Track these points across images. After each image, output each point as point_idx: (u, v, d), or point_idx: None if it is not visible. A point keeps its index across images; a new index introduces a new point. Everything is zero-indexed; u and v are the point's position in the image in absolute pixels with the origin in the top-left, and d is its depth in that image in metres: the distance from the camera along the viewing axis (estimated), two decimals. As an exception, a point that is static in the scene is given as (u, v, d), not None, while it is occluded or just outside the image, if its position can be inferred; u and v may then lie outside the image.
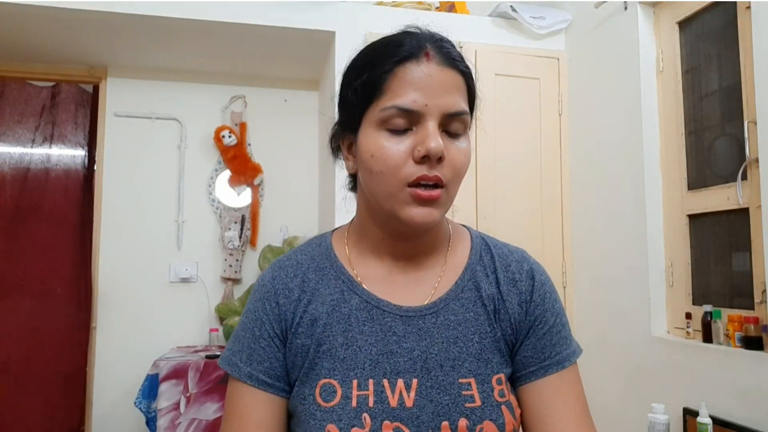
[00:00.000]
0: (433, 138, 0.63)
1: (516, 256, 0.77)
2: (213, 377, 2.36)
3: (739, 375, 1.66)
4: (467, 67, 0.70)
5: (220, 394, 2.36)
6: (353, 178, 0.77)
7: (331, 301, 0.72)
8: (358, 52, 0.72)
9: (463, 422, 0.66)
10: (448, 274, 0.74)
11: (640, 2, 2.13)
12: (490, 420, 0.66)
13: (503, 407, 0.68)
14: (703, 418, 1.65)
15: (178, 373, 2.33)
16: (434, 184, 0.65)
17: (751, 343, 1.64)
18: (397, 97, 0.65)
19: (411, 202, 0.65)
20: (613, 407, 2.14)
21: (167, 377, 2.31)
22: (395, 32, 0.71)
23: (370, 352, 0.69)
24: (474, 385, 0.68)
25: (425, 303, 0.72)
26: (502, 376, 0.70)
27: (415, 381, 0.67)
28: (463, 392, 0.67)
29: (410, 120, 0.65)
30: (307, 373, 0.69)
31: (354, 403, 0.66)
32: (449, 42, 0.70)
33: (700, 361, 1.80)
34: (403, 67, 0.66)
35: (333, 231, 0.81)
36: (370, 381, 0.67)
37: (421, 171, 0.64)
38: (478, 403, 0.67)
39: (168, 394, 2.30)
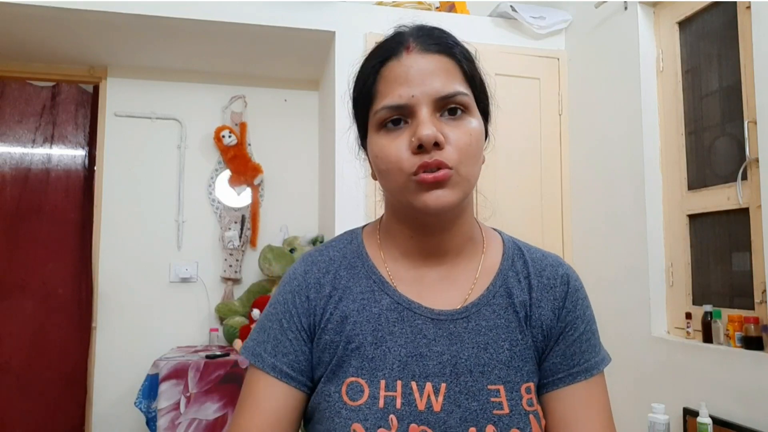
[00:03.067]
0: (424, 126, 0.63)
1: (551, 261, 0.76)
2: (213, 377, 2.36)
3: (739, 375, 1.66)
4: (459, 50, 0.70)
5: (220, 394, 2.36)
6: None
7: (362, 300, 0.71)
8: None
9: (490, 429, 0.65)
10: (481, 279, 0.73)
11: (640, 2, 2.12)
12: (518, 428, 0.65)
13: (531, 416, 0.67)
14: (703, 418, 1.65)
15: (178, 373, 2.33)
16: (438, 168, 0.64)
17: (751, 343, 1.64)
18: (384, 97, 0.66)
19: (420, 189, 0.65)
20: (613, 407, 2.13)
21: (167, 377, 2.31)
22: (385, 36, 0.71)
23: (399, 353, 0.68)
24: (503, 393, 0.67)
25: (457, 307, 0.71)
26: (531, 384, 0.70)
27: (443, 385, 0.67)
28: (492, 399, 0.66)
29: (403, 114, 0.66)
30: (334, 370, 0.68)
31: (381, 404, 0.65)
32: (439, 30, 0.70)
33: (700, 361, 1.80)
34: (386, 67, 0.67)
35: (363, 227, 0.80)
36: (398, 382, 0.66)
37: (422, 159, 0.64)
38: (507, 410, 0.66)
39: (168, 394, 2.30)
